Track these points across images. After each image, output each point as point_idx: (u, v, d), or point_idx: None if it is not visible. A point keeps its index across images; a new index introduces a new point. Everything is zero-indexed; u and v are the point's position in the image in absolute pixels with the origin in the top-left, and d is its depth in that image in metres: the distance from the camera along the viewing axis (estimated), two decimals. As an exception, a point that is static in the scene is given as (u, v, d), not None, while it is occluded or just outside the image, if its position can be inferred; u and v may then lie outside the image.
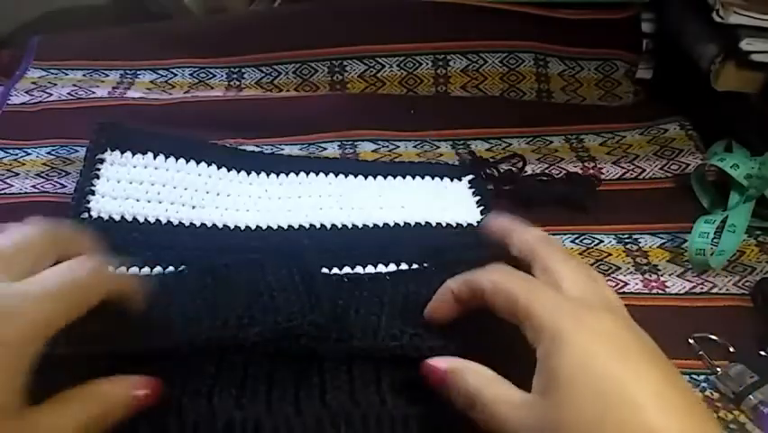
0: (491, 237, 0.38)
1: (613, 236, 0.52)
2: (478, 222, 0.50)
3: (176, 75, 0.66)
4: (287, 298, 0.36)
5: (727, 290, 0.48)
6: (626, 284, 0.48)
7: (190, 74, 0.66)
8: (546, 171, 0.57)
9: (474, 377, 0.31)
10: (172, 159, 0.50)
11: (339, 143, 0.59)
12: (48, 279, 0.29)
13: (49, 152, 0.55)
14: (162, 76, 0.66)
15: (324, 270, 0.43)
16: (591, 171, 0.58)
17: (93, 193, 0.48)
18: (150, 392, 0.31)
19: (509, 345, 0.31)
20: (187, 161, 0.51)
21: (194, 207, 0.49)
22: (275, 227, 0.49)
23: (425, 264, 0.44)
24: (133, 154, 0.50)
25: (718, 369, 0.42)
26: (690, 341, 0.43)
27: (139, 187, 0.49)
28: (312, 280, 0.37)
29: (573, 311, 0.29)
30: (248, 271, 0.38)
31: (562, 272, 0.33)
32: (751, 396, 0.39)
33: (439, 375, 0.33)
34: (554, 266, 0.33)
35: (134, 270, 0.44)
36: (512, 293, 0.31)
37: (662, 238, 0.52)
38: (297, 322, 0.34)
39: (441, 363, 0.33)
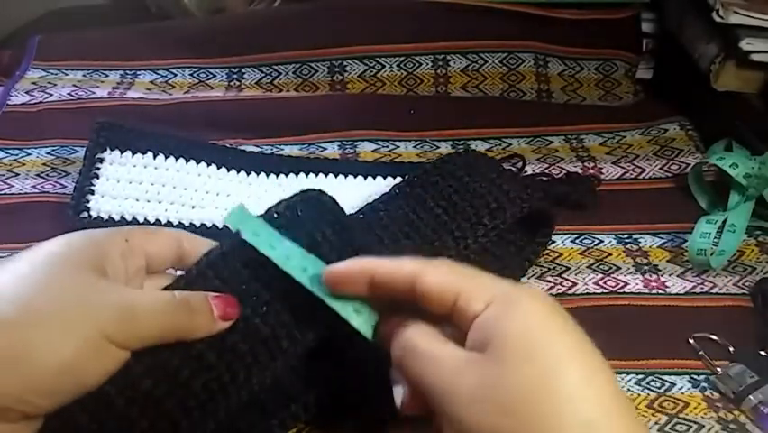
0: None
1: (613, 236, 0.52)
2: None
3: (176, 75, 0.66)
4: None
5: (727, 289, 0.48)
6: (627, 284, 0.47)
7: (190, 74, 0.66)
8: (546, 171, 0.57)
9: (412, 328, 0.31)
10: (172, 158, 0.51)
11: (339, 143, 0.59)
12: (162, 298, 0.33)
13: (49, 153, 0.55)
14: (162, 76, 0.66)
15: None
16: (591, 171, 0.58)
17: (92, 192, 0.48)
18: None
19: None
20: (187, 161, 0.51)
21: (193, 207, 0.49)
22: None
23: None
24: (133, 154, 0.50)
25: (718, 369, 0.41)
26: (691, 341, 0.43)
27: (138, 186, 0.49)
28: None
29: (515, 285, 0.30)
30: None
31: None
32: (751, 396, 0.39)
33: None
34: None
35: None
36: (451, 267, 0.31)
37: (662, 238, 0.52)
38: None
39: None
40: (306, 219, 0.37)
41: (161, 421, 0.32)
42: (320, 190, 0.38)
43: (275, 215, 0.37)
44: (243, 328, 0.34)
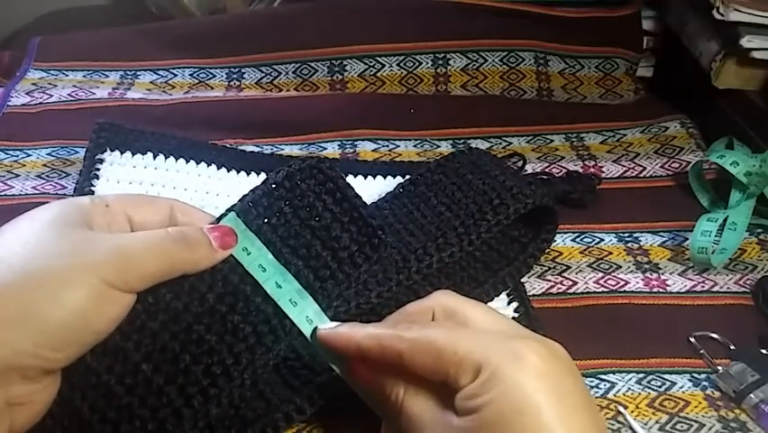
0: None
1: (614, 235, 0.52)
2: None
3: (176, 75, 0.66)
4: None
5: (728, 288, 0.48)
6: (627, 283, 0.47)
7: (190, 74, 0.66)
8: (547, 170, 0.57)
9: (402, 384, 0.32)
10: (172, 159, 0.51)
11: (339, 143, 0.59)
12: (158, 235, 0.33)
13: (49, 153, 0.55)
14: (162, 76, 0.66)
15: None
16: (592, 170, 0.58)
17: (92, 193, 0.48)
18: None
19: None
20: (187, 162, 0.51)
21: (194, 208, 0.49)
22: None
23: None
24: (133, 154, 0.50)
25: (719, 367, 0.41)
26: (691, 339, 0.43)
27: (139, 187, 0.49)
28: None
29: (505, 345, 0.30)
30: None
31: (468, 311, 0.33)
32: (752, 394, 0.39)
33: (368, 377, 0.33)
34: (460, 307, 0.33)
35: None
36: (435, 344, 0.30)
37: (662, 237, 0.52)
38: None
39: (368, 368, 0.33)
40: (305, 189, 0.37)
41: (163, 409, 0.32)
42: (319, 158, 0.38)
43: (273, 185, 0.37)
44: (244, 308, 0.34)
